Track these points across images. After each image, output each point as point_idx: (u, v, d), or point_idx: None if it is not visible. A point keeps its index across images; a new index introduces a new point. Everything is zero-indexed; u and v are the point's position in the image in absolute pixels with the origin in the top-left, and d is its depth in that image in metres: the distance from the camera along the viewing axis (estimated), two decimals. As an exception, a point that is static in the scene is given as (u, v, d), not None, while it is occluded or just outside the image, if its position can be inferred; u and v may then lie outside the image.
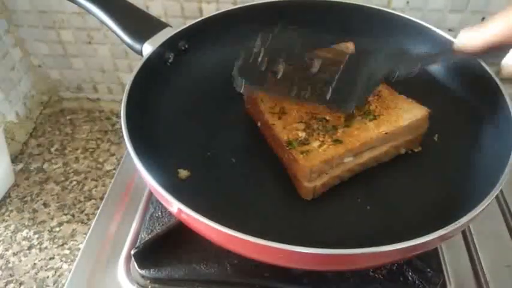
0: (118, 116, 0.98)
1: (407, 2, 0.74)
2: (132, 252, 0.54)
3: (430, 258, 0.54)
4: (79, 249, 0.67)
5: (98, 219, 0.62)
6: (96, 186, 0.82)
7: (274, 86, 0.50)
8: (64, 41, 0.88)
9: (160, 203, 0.61)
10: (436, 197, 0.51)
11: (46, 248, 0.71)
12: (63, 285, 0.61)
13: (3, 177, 0.80)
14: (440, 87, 0.62)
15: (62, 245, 0.72)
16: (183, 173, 0.53)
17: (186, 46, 0.62)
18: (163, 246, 0.55)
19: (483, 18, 0.75)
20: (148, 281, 0.54)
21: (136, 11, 0.61)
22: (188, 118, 0.59)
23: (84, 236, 0.72)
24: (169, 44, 0.59)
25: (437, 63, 0.61)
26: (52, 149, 0.90)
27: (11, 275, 0.67)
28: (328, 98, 0.48)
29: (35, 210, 0.77)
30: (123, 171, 0.69)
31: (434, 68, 0.63)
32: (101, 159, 0.88)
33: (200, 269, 0.54)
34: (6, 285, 0.66)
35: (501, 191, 0.57)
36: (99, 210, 0.63)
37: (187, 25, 0.61)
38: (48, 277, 0.67)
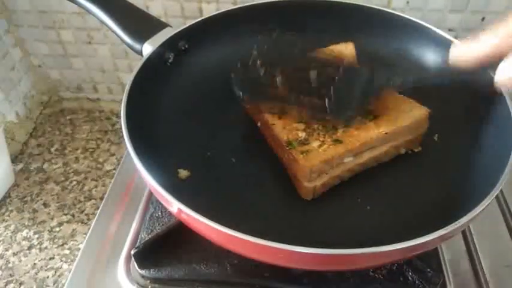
0: (118, 116, 0.98)
1: (407, 2, 0.74)
2: (132, 252, 0.54)
3: (430, 258, 0.54)
4: (79, 249, 0.67)
5: (98, 219, 0.62)
6: (96, 186, 0.82)
7: (274, 97, 0.51)
8: (64, 41, 0.88)
9: (160, 203, 0.61)
10: (436, 197, 0.51)
11: (46, 248, 0.71)
12: (63, 285, 0.61)
13: (3, 177, 0.80)
14: (440, 87, 0.62)
15: (62, 245, 0.72)
16: (183, 173, 0.53)
17: (186, 46, 0.62)
18: (163, 246, 0.55)
19: (483, 18, 0.75)
20: (148, 281, 0.54)
21: (136, 11, 0.60)
22: (188, 118, 0.59)
23: (84, 236, 0.72)
24: (169, 44, 0.59)
25: (432, 81, 0.61)
26: (52, 149, 0.90)
27: (11, 275, 0.67)
28: (327, 109, 0.49)
29: (35, 210, 0.77)
30: (123, 171, 0.69)
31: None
32: (101, 159, 0.88)
33: (200, 269, 0.54)
34: (6, 285, 0.66)
35: (501, 191, 0.57)
36: (99, 210, 0.64)
37: (187, 25, 0.61)
38: (48, 277, 0.67)
